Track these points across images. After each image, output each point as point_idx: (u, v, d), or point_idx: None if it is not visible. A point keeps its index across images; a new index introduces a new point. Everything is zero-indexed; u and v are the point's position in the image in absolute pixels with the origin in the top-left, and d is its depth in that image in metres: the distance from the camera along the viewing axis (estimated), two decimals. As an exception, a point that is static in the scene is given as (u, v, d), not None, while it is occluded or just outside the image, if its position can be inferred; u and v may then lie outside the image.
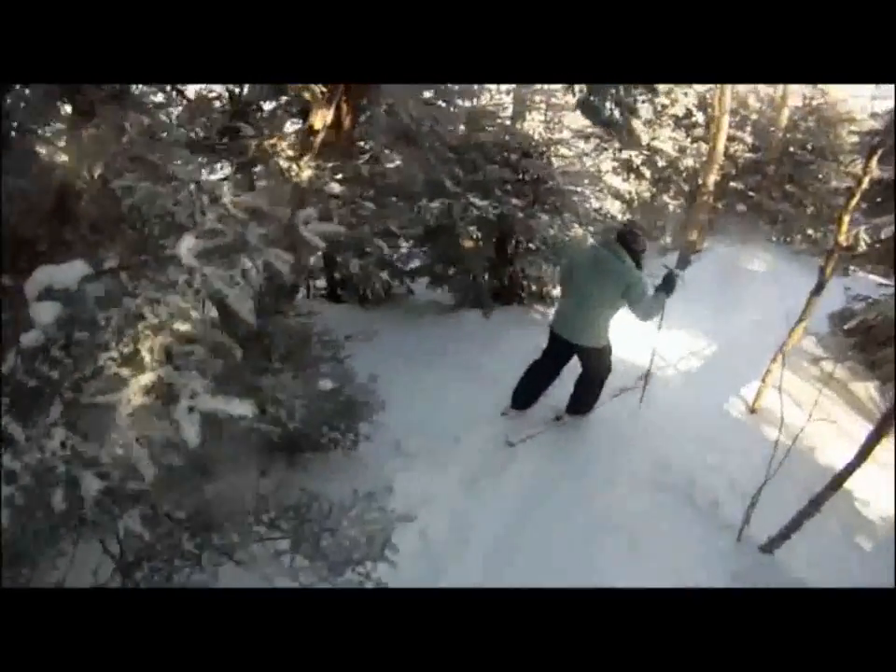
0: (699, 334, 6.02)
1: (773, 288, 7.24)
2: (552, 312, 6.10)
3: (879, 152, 4.02)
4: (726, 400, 4.90)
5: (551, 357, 4.18)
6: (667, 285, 3.92)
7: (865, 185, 4.03)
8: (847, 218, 4.23)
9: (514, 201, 4.99)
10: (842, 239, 4.27)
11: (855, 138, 9.34)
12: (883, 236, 6.04)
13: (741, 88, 10.70)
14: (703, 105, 10.32)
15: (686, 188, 9.27)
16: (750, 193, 9.02)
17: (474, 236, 5.12)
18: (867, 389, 5.46)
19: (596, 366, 4.10)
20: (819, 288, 4.45)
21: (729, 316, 6.40)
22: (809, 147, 10.21)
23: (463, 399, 4.63)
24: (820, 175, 10.05)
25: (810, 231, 10.04)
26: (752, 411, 4.71)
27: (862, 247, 6.09)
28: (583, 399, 4.27)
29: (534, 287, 6.04)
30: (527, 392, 4.30)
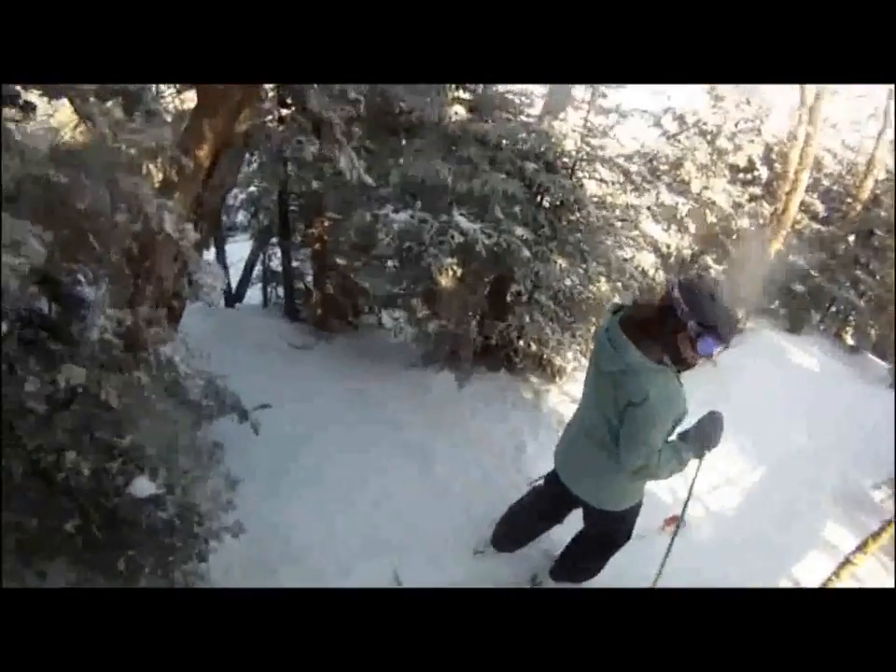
0: (737, 453, 4.40)
1: (834, 399, 5.62)
2: (552, 390, 4.54)
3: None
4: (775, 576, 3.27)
5: (546, 496, 2.58)
6: (702, 432, 2.16)
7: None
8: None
9: (520, 231, 3.37)
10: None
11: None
12: None
13: (816, 145, 9.13)
14: (768, 158, 8.74)
15: (734, 252, 7.70)
16: (813, 273, 7.42)
17: (452, 271, 3.50)
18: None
19: (607, 532, 2.45)
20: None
21: (780, 431, 4.80)
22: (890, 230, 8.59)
23: (396, 513, 3.11)
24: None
25: (869, 330, 8.46)
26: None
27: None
28: (579, 565, 2.61)
29: (532, 348, 4.42)
30: (513, 531, 2.74)
